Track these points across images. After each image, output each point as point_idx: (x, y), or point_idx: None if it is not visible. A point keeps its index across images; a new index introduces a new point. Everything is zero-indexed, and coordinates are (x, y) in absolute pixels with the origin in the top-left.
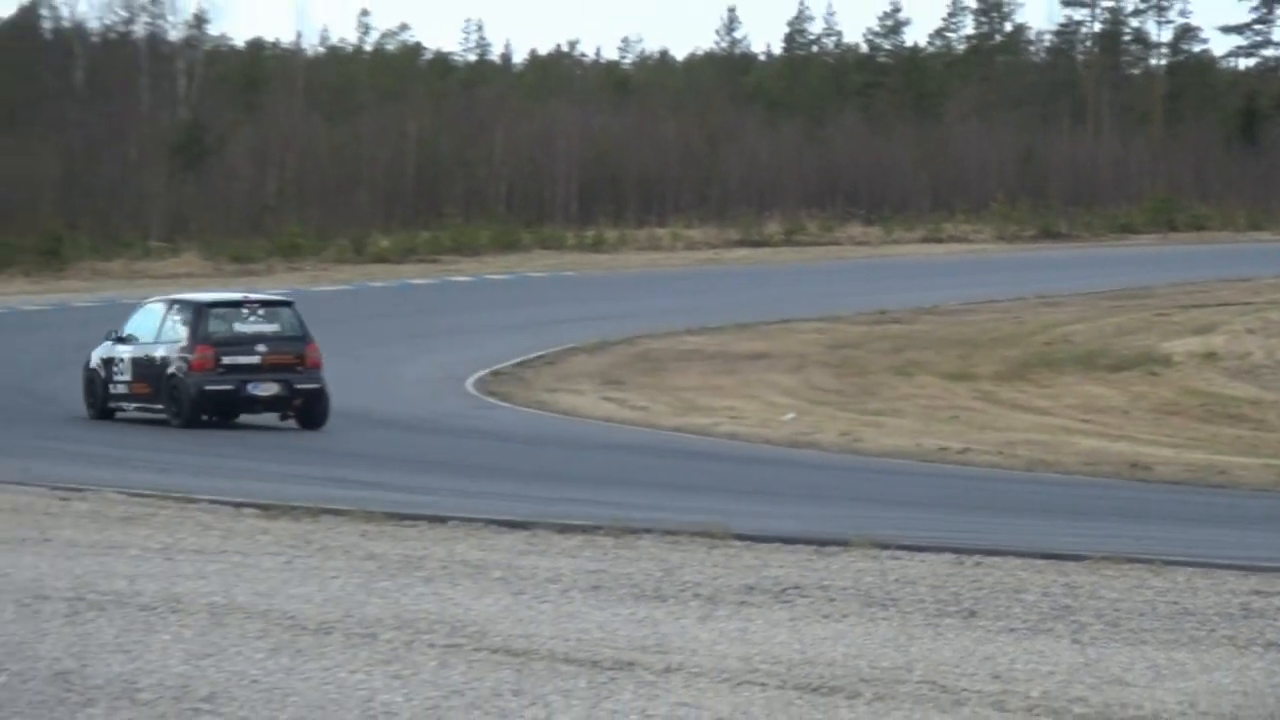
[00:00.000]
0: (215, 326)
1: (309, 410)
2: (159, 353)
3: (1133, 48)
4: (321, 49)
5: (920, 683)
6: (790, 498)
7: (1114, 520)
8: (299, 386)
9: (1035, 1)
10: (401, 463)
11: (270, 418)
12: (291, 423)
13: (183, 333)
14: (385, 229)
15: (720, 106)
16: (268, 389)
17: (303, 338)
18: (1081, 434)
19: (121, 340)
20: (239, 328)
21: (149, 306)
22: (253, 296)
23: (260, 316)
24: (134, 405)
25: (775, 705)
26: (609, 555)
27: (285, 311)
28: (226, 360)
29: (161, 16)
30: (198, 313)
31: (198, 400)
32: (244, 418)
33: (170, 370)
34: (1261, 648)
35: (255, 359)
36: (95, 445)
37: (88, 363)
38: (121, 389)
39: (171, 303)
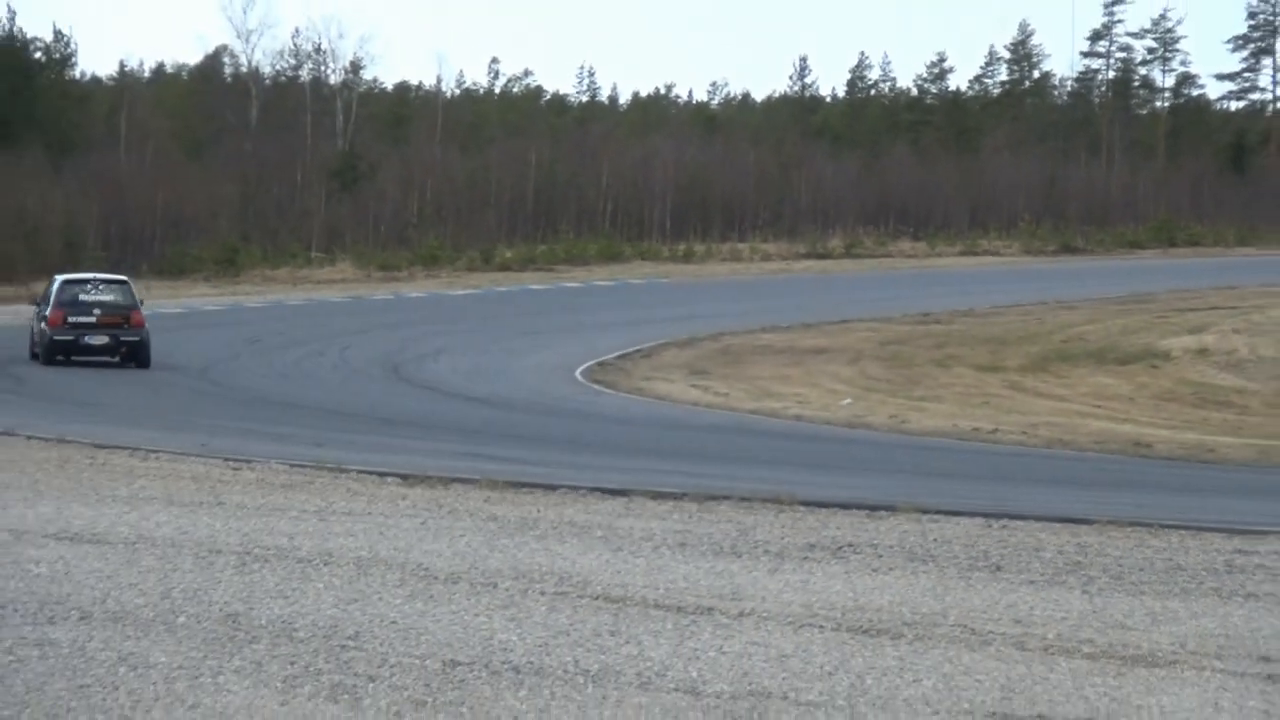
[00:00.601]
0: (65, 296)
1: (133, 355)
2: (38, 315)
3: (1141, 92)
4: (458, 91)
5: (954, 626)
6: (846, 470)
7: (1119, 490)
8: (124, 339)
9: (1060, 52)
10: (520, 439)
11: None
12: (437, 408)
13: (50, 300)
14: (509, 242)
15: (792, 140)
16: (99, 339)
17: (131, 305)
18: (1093, 417)
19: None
20: (82, 297)
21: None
22: (98, 276)
23: (100, 290)
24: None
25: (831, 644)
26: (693, 518)
27: (120, 287)
28: (71, 319)
29: (323, 64)
30: (56, 286)
31: (49, 346)
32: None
33: (39, 326)
34: (1242, 598)
35: (92, 319)
36: (263, 424)
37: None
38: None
39: (52, 281)
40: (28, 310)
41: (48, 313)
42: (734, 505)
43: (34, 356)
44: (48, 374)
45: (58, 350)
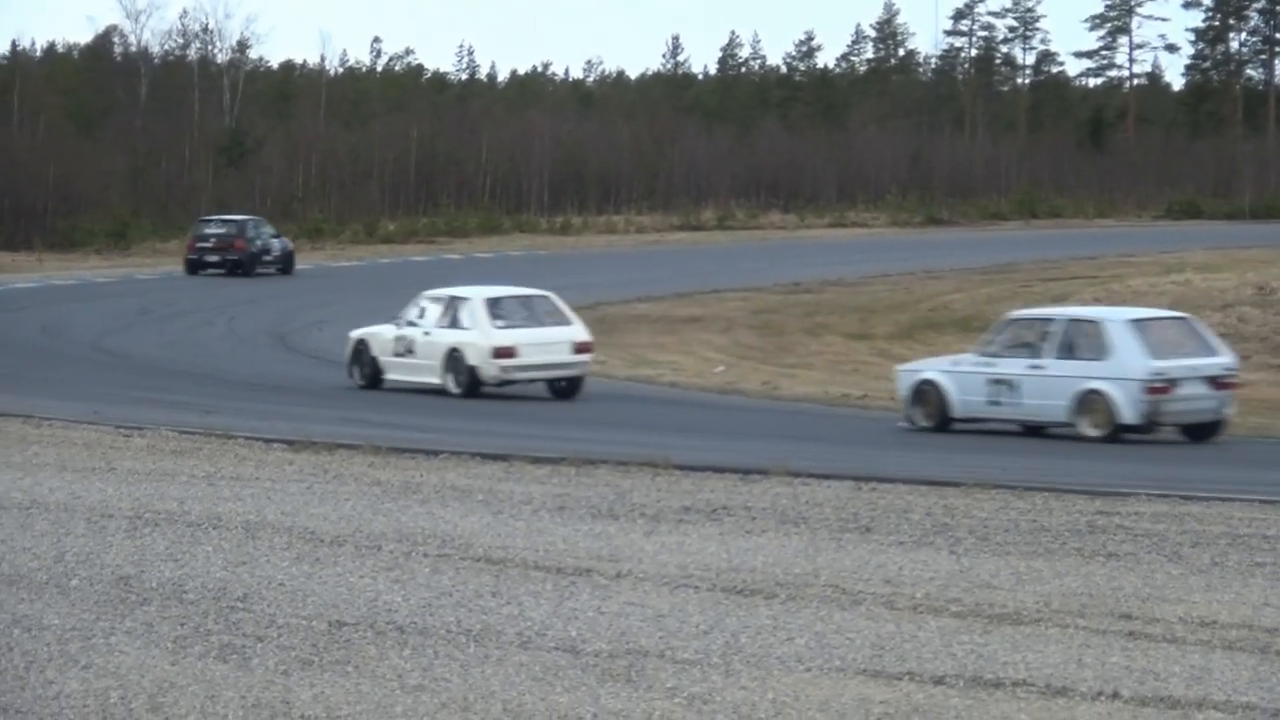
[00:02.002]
0: None
1: None
2: None
3: (1003, 69)
4: (341, 69)
5: (825, 586)
6: (720, 435)
7: (983, 454)
8: None
9: (924, 31)
10: (401, 406)
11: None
12: (322, 376)
13: None
14: (391, 216)
15: (666, 116)
16: None
17: None
18: None
19: None
20: None
21: None
22: None
23: None
24: None
25: (707, 604)
26: (571, 482)
27: None
28: None
29: (211, 43)
30: None
31: None
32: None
33: None
34: (1104, 558)
35: None
36: (153, 392)
37: None
38: None
39: None
40: None
41: None
42: (611, 469)
43: None
44: None
45: None
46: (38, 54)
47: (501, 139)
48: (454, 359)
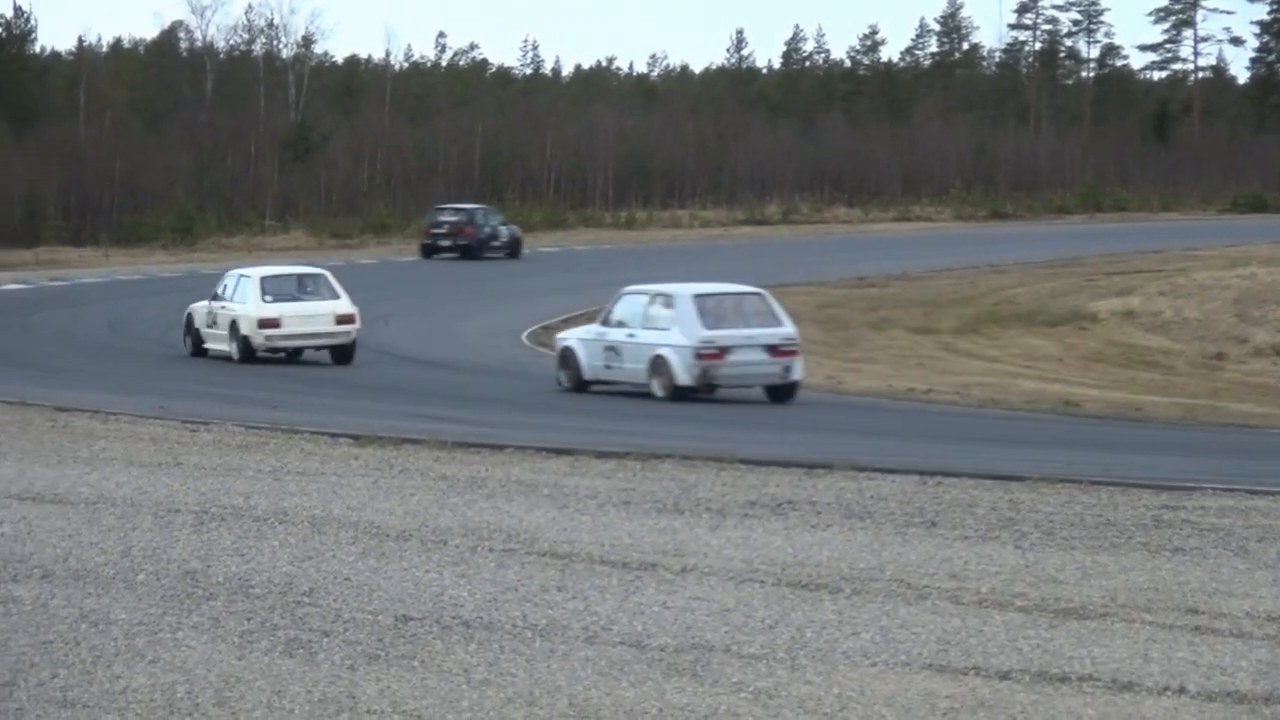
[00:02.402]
0: None
1: None
2: None
3: (1067, 62)
4: (406, 64)
5: (890, 580)
6: (785, 429)
7: (1050, 448)
8: None
9: (988, 24)
10: (468, 401)
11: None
12: (387, 371)
13: None
14: None
15: (730, 110)
16: None
17: None
18: (1024, 377)
19: None
20: None
21: None
22: None
23: None
24: None
25: (772, 599)
26: (637, 476)
27: None
28: None
29: (276, 38)
30: None
31: None
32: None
33: None
34: (1170, 552)
35: None
36: (219, 387)
37: None
38: None
39: None
40: None
41: None
42: (676, 464)
43: None
44: (7, 339)
45: None
46: (104, 50)
47: (566, 134)
48: (234, 329)
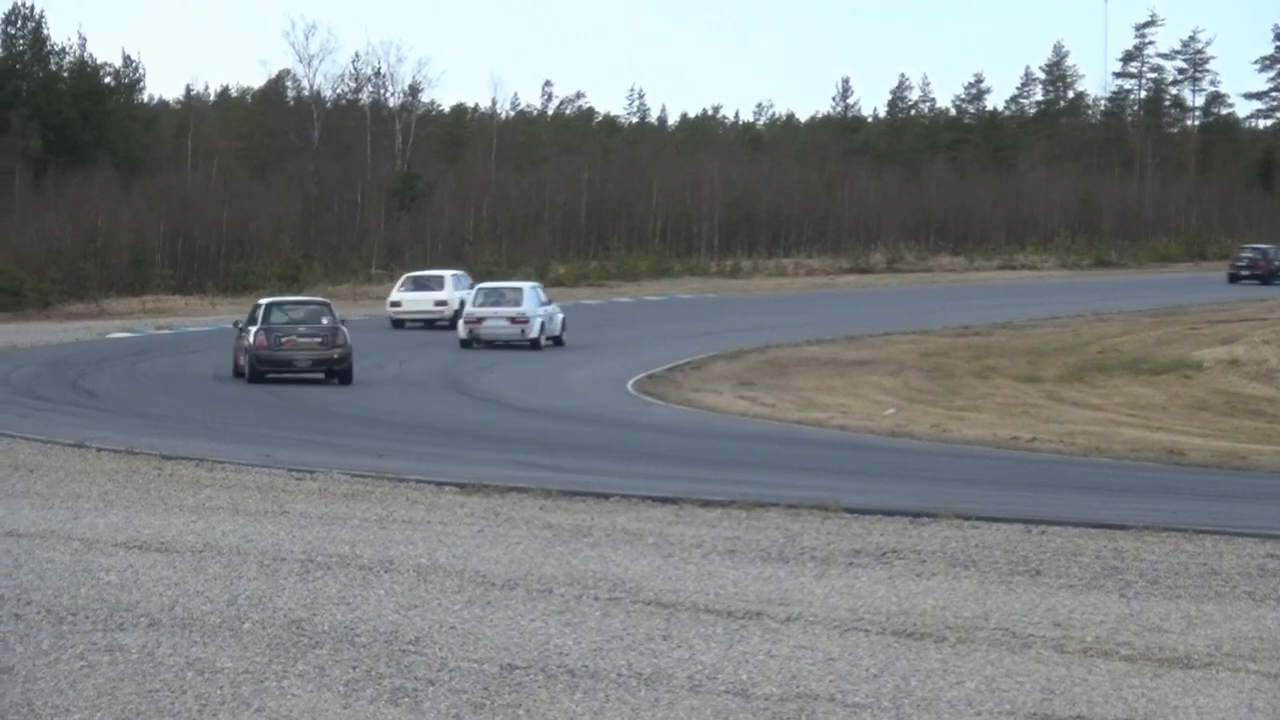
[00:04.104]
0: None
1: None
2: None
3: (1172, 110)
4: (512, 112)
5: (995, 629)
6: (890, 478)
7: (1154, 496)
8: None
9: (1093, 73)
10: (573, 449)
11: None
12: (493, 419)
13: None
14: (562, 259)
15: (835, 159)
16: None
17: None
18: (1128, 426)
19: None
20: None
21: None
22: None
23: None
24: None
25: (877, 647)
26: (742, 525)
27: None
28: None
29: (383, 87)
30: None
31: None
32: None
33: None
34: (1275, 601)
35: None
36: (323, 435)
37: None
38: None
39: None
40: (99, 326)
41: None
42: (781, 512)
43: None
44: (115, 386)
45: None
46: (211, 98)
47: (672, 182)
48: None
